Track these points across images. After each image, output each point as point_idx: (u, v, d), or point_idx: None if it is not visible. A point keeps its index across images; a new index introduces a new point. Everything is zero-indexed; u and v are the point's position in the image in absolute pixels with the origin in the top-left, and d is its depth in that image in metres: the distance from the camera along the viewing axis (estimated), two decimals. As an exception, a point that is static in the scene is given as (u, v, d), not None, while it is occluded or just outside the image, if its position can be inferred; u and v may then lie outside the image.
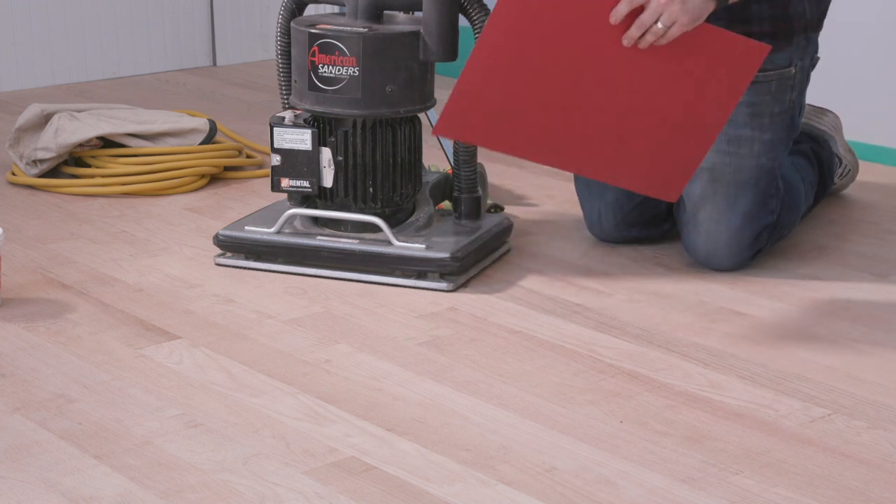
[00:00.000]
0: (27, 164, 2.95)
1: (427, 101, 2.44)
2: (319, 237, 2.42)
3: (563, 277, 2.42)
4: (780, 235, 2.51)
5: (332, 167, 2.40)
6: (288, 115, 2.43)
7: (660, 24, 2.06)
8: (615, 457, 1.76)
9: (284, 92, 2.53)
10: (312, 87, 2.38)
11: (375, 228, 2.41)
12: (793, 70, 2.41)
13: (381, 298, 2.31)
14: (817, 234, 2.67)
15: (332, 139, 2.40)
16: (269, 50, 4.40)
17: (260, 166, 3.12)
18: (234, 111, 3.68)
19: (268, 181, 3.00)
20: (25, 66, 3.97)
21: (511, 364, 2.05)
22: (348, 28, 2.36)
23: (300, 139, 2.40)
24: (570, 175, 2.76)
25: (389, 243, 2.38)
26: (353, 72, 2.35)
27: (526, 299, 2.31)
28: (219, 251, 2.50)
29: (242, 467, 1.72)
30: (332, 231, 2.44)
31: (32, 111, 3.00)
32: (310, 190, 2.42)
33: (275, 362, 2.05)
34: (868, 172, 3.08)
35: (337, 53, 2.35)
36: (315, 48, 2.36)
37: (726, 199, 2.39)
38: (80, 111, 3.04)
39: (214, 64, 4.33)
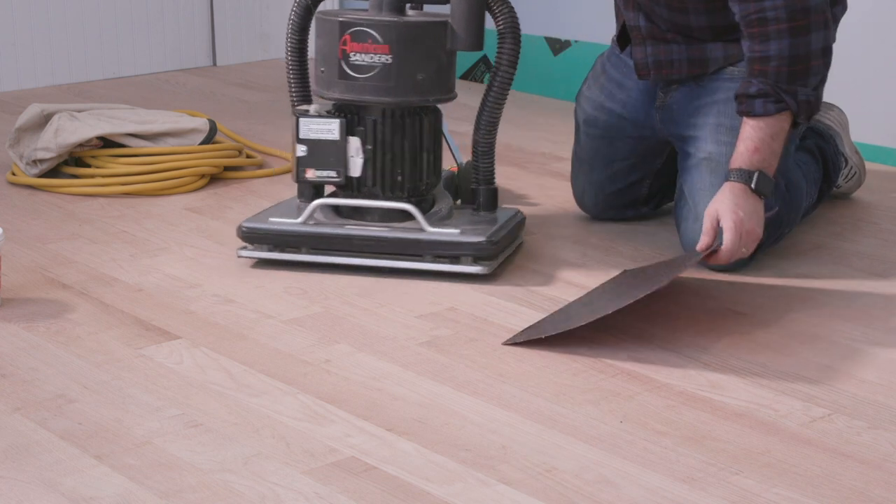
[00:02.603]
0: (27, 164, 2.95)
1: (451, 91, 2.45)
2: (348, 226, 2.42)
3: (563, 277, 2.42)
4: (781, 234, 2.51)
5: (361, 156, 2.40)
6: (312, 107, 2.44)
7: (744, 250, 2.30)
8: (615, 457, 1.76)
9: (294, 90, 2.52)
10: (343, 75, 2.38)
11: (401, 218, 2.41)
12: None
13: (381, 298, 2.31)
14: (817, 234, 2.67)
15: (361, 128, 2.40)
16: (269, 50, 4.40)
17: (260, 166, 3.12)
18: (234, 111, 3.68)
19: (267, 181, 3.00)
20: (25, 66, 3.97)
21: (511, 364, 2.05)
22: (378, 17, 2.37)
23: (327, 129, 2.40)
24: (570, 176, 2.77)
25: (421, 230, 2.38)
26: (387, 59, 2.35)
27: (526, 299, 2.31)
28: (241, 244, 2.49)
29: (242, 467, 1.72)
30: (357, 221, 2.44)
31: (32, 111, 3.00)
32: (337, 179, 2.42)
33: (275, 362, 2.05)
34: (867, 172, 3.08)
35: (370, 41, 2.35)
36: (347, 36, 2.36)
37: None
38: (80, 111, 3.04)
39: (214, 64, 4.33)
